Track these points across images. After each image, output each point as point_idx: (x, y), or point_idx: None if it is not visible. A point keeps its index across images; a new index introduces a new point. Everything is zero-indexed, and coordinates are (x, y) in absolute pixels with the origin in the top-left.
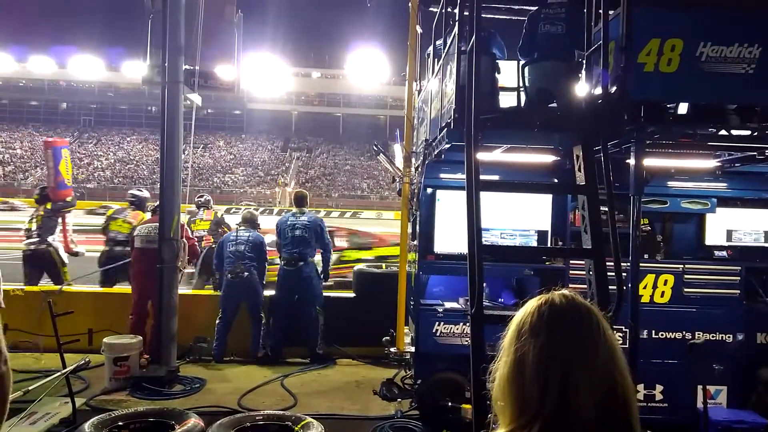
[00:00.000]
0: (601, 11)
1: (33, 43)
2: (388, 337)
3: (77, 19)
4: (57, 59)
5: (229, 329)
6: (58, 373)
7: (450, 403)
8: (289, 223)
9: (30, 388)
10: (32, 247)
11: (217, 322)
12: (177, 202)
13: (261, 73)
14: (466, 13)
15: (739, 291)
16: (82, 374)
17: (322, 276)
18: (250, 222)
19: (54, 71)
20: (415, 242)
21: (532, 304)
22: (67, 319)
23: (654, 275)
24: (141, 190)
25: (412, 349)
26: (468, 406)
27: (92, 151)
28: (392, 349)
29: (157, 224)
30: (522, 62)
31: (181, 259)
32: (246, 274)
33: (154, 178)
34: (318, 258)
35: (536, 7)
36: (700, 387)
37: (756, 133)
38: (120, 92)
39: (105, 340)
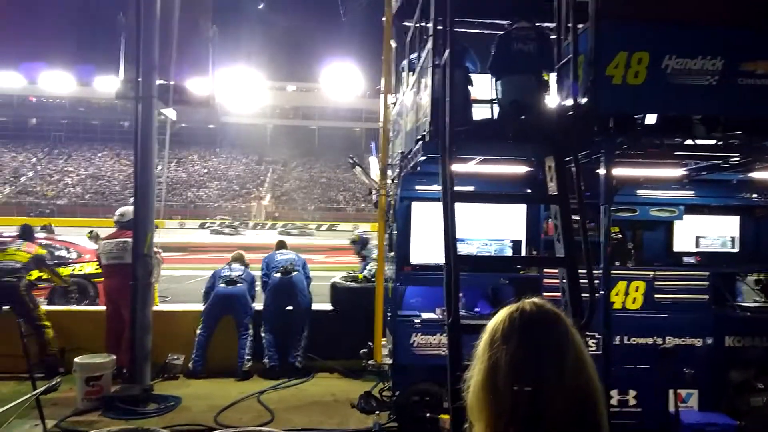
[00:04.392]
0: (570, 25)
1: (1, 58)
2: (366, 350)
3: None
4: (26, 75)
5: (209, 341)
6: (28, 395)
7: (428, 414)
8: (277, 253)
9: None
10: None
11: (198, 332)
12: (151, 218)
13: (236, 87)
14: (439, 28)
15: (707, 296)
16: (53, 395)
17: None
18: (241, 261)
19: (23, 86)
20: (392, 253)
21: (503, 313)
22: None
23: (626, 282)
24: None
25: (390, 360)
26: (446, 417)
27: (63, 167)
28: (370, 362)
29: (119, 240)
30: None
31: (155, 276)
32: (239, 285)
33: (126, 193)
34: None
35: (508, 22)
36: (671, 391)
37: (720, 143)
38: (92, 107)
39: (76, 359)
